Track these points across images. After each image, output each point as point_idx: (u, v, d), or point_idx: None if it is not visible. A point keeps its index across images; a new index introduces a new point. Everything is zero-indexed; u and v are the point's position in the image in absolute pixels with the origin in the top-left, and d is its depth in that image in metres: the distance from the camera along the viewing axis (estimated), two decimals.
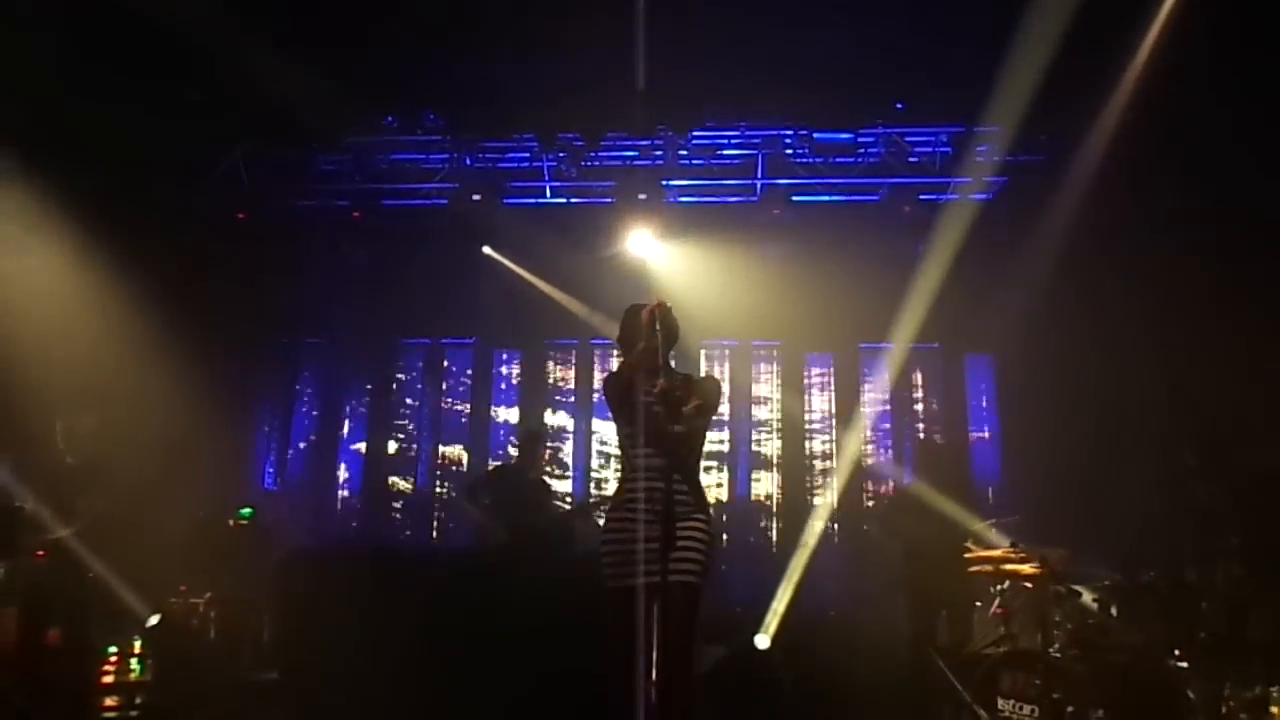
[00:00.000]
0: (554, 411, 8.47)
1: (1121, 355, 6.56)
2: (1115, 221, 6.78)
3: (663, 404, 3.51)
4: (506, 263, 8.15)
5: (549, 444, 8.04)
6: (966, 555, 4.89)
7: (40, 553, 5.28)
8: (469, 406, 8.46)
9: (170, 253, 7.11)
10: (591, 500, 7.54)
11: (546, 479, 6.76)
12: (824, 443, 8.20)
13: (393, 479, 8.36)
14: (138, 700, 5.81)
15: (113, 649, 5.95)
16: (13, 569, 5.31)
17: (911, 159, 7.87)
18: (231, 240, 7.65)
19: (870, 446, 8.08)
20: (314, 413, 8.55)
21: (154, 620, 5.76)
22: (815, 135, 7.84)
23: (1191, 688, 3.86)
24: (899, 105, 7.55)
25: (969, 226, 7.36)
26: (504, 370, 8.62)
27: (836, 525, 7.59)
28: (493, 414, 8.47)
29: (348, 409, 8.57)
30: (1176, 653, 3.98)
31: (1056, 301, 7.06)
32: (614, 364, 8.10)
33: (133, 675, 5.97)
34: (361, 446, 8.44)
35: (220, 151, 7.73)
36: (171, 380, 6.91)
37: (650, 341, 3.55)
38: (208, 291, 7.34)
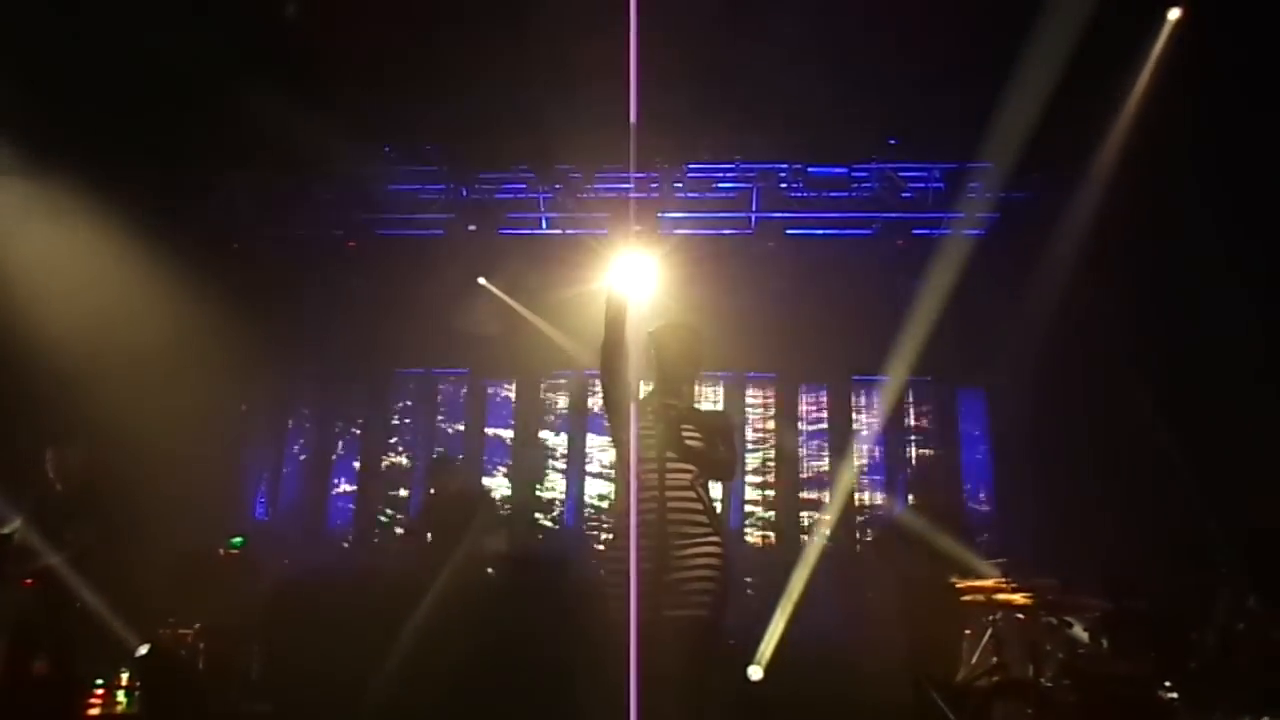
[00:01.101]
0: (548, 438, 8.52)
1: (1113, 389, 6.62)
2: (1107, 258, 6.86)
3: (668, 423, 3.35)
4: (500, 294, 8.20)
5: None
6: (957, 585, 4.89)
7: (28, 581, 5.25)
8: (463, 431, 8.49)
9: (163, 280, 7.14)
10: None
11: (487, 498, 6.61)
12: (817, 473, 8.21)
13: (386, 508, 8.33)
14: None
15: (99, 682, 5.90)
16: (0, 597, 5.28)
17: (904, 194, 7.97)
18: (225, 268, 7.67)
19: (864, 477, 8.09)
20: (306, 442, 8.54)
21: (143, 650, 5.69)
22: (809, 169, 7.94)
23: (1181, 717, 3.85)
24: (892, 140, 7.67)
25: (962, 262, 7.44)
26: (498, 398, 8.64)
27: (830, 556, 7.57)
28: (486, 433, 8.49)
29: (340, 438, 8.57)
30: (1167, 683, 3.97)
31: (1048, 336, 7.12)
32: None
33: (119, 707, 5.91)
34: (355, 475, 8.43)
35: (216, 179, 7.79)
36: (162, 409, 6.93)
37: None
38: (200, 319, 7.36)
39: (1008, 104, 6.68)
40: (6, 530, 5.28)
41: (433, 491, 6.27)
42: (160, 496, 6.62)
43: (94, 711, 5.79)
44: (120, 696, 5.90)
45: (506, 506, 8.09)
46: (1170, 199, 6.19)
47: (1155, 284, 6.49)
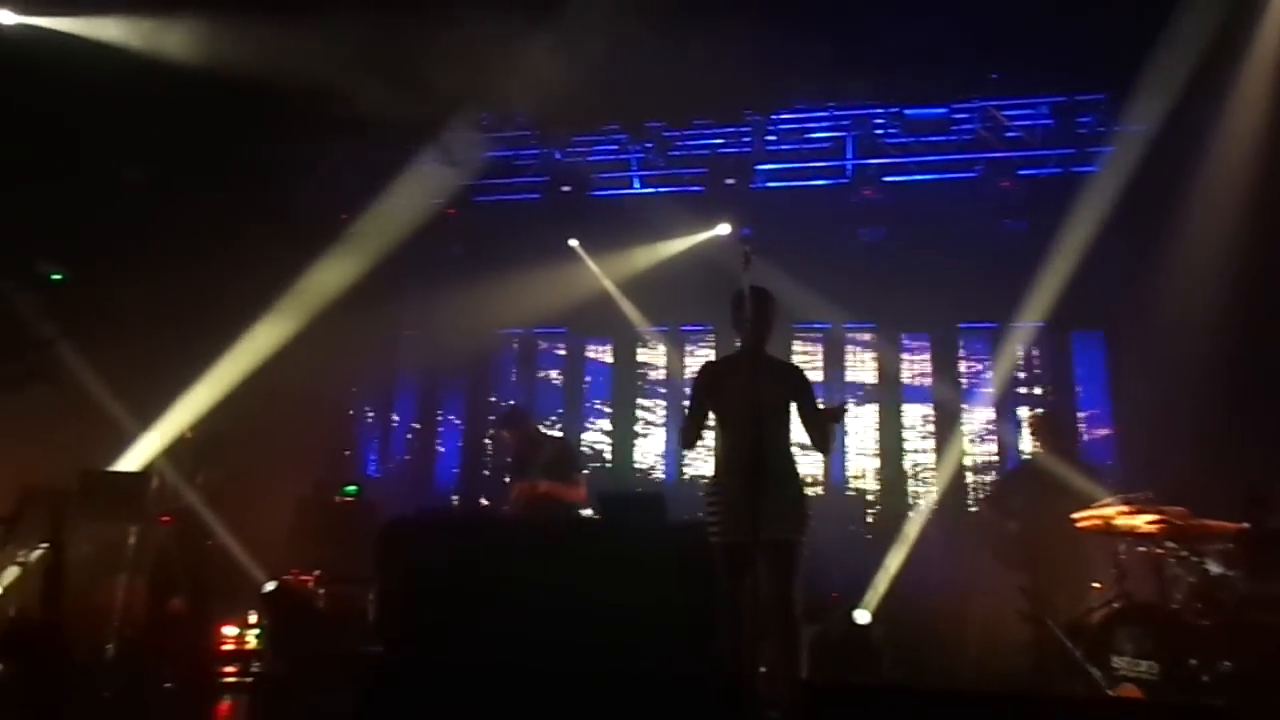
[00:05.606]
0: (645, 395, 8.55)
1: (1243, 321, 6.19)
2: (1234, 192, 6.41)
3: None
4: (585, 258, 8.27)
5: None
6: (1078, 522, 4.64)
7: (166, 519, 5.61)
8: (562, 390, 8.66)
9: (277, 250, 7.51)
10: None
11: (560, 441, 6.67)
12: (923, 426, 7.95)
13: (489, 463, 8.54)
14: (253, 668, 6.07)
15: (232, 630, 6.24)
16: (142, 535, 5.65)
17: (1009, 133, 7.63)
18: (335, 239, 8.00)
19: (972, 429, 7.79)
20: (414, 402, 8.85)
21: (270, 587, 5.99)
22: (906, 113, 7.69)
23: None
24: (994, 76, 7.34)
25: (1073, 200, 7.09)
26: (595, 356, 8.73)
27: (939, 509, 7.33)
28: (584, 391, 8.65)
29: (446, 397, 8.84)
30: None
31: (1170, 274, 6.70)
32: (705, 351, 8.23)
33: (249, 645, 6.24)
34: (460, 432, 8.70)
35: (322, 152, 8.13)
36: (277, 370, 7.30)
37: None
38: (312, 287, 7.71)
39: (1123, 26, 6.33)
40: (146, 469, 5.66)
41: (506, 438, 6.36)
42: (279, 451, 6.98)
43: (226, 648, 6.13)
44: (250, 636, 6.22)
45: (606, 464, 8.22)
46: None
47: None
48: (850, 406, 4.47)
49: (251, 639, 6.22)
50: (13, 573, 5.38)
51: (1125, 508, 4.25)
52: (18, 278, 6.68)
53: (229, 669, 6.02)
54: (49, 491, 5.14)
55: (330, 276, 7.87)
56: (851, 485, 7.95)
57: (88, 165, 6.96)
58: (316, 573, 6.42)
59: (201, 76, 6.53)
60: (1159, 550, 4.21)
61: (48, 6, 6.61)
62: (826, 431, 4.01)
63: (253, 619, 6.20)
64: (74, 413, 6.12)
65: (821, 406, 4.05)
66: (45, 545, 5.12)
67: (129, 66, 6.48)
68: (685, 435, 4.10)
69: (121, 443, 6.49)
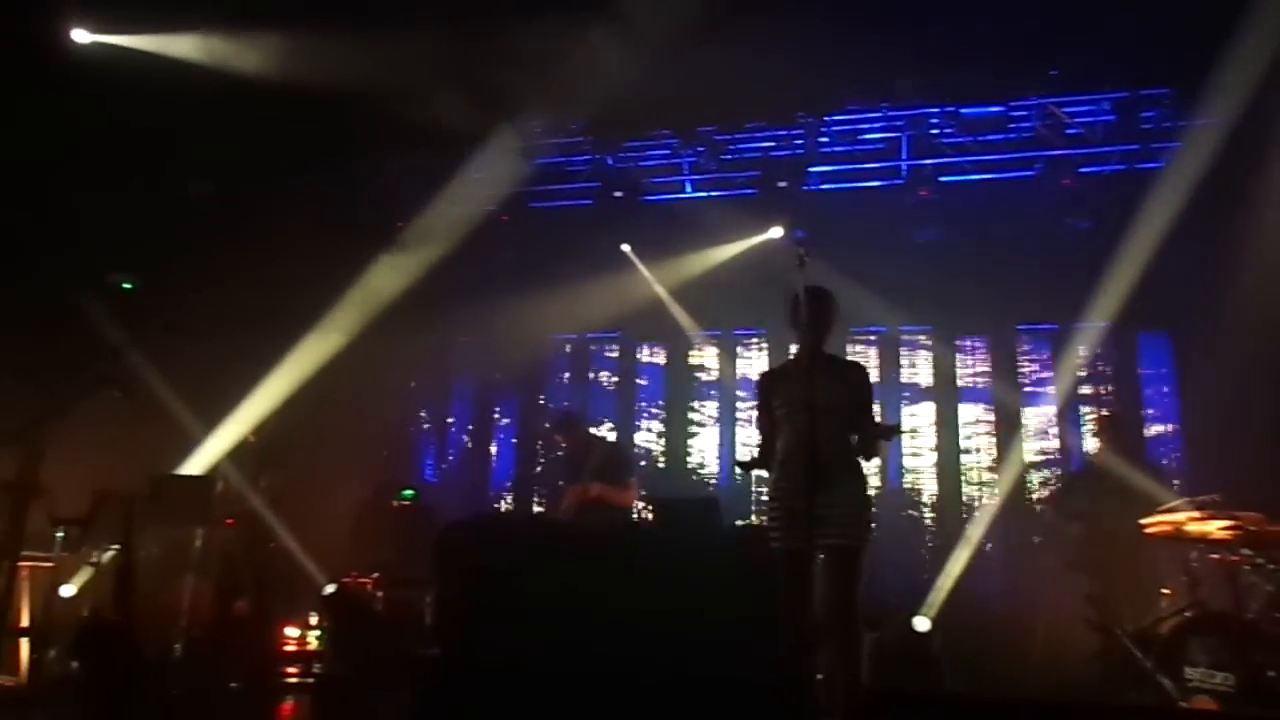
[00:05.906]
0: (698, 396, 8.53)
1: None
2: None
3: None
4: (637, 262, 8.26)
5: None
6: (1145, 527, 4.50)
7: (230, 521, 5.75)
8: (615, 394, 8.68)
9: (338, 258, 7.68)
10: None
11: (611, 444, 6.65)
12: (981, 429, 7.78)
13: (543, 467, 8.60)
14: (315, 669, 6.19)
15: (294, 631, 6.38)
16: (208, 537, 5.81)
17: (1070, 130, 7.45)
18: (392, 246, 8.14)
19: (1032, 430, 7.60)
20: (469, 407, 8.95)
21: (330, 589, 6.11)
22: (962, 111, 7.57)
23: None
24: (1053, 71, 7.18)
25: (1138, 197, 6.89)
26: (648, 360, 8.73)
27: (999, 515, 7.16)
28: (638, 393, 8.65)
29: (500, 402, 8.93)
30: None
31: (1242, 273, 6.47)
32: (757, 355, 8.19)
33: (310, 646, 6.37)
34: (514, 436, 8.78)
35: (381, 160, 8.29)
36: (335, 376, 7.45)
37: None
38: (369, 294, 7.86)
39: (1186, 16, 6.14)
40: (212, 473, 5.82)
41: (559, 442, 6.41)
42: (338, 455, 7.12)
43: (289, 648, 6.26)
44: (311, 638, 6.35)
45: (660, 463, 8.24)
46: None
47: None
48: (903, 427, 4.37)
49: (313, 640, 6.35)
50: (86, 574, 5.57)
51: (1196, 513, 4.11)
52: (90, 288, 6.92)
53: (291, 669, 6.14)
54: (120, 495, 5.31)
55: (386, 283, 8.01)
56: (909, 487, 7.82)
57: (157, 176, 7.19)
58: (375, 576, 6.51)
59: (267, 88, 6.72)
60: (1233, 558, 4.06)
61: (120, 25, 6.86)
62: (873, 443, 3.87)
63: (314, 621, 6.32)
64: (143, 418, 6.31)
65: (877, 421, 3.99)
66: (116, 547, 5.29)
67: (197, 79, 6.69)
68: (761, 452, 4.00)
69: (187, 447, 6.73)
